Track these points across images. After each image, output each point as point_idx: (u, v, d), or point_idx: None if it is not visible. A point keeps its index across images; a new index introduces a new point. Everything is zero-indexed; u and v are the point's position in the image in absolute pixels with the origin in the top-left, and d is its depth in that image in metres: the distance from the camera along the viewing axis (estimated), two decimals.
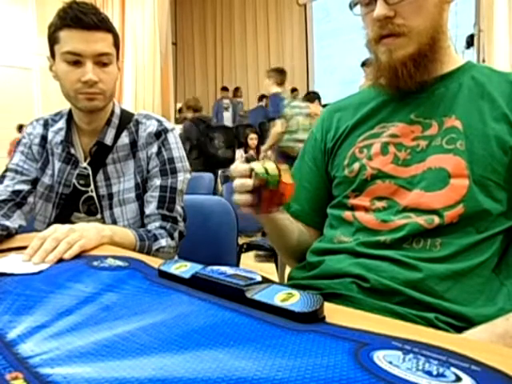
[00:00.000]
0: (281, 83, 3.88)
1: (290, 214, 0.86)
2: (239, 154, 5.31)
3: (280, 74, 3.91)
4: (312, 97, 4.47)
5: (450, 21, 0.72)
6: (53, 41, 0.96)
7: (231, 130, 6.47)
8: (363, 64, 3.61)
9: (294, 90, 5.35)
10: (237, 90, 7.27)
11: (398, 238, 0.66)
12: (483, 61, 3.63)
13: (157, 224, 1.01)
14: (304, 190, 0.86)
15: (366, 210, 0.72)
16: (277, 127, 3.61)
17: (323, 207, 0.83)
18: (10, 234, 0.94)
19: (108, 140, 1.04)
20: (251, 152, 5.17)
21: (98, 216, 1.05)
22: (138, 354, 0.37)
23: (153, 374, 0.33)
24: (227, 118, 6.83)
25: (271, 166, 0.64)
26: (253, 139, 5.25)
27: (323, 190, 0.84)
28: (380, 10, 0.67)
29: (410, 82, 0.70)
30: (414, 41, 0.68)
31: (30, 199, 1.06)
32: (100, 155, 1.05)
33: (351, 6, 0.75)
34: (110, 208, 1.05)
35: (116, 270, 0.63)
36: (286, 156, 3.63)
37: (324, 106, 4.37)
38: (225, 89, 7.28)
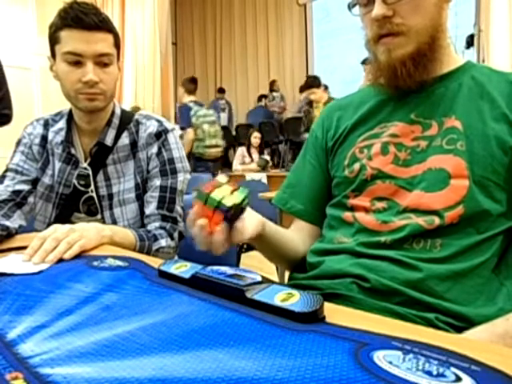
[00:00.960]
0: (191, 92, 4.21)
1: (292, 213, 0.85)
2: (240, 152, 5.38)
3: (190, 83, 4.23)
4: (316, 83, 4.48)
5: (449, 21, 0.72)
6: (53, 41, 0.96)
7: (229, 130, 6.49)
8: (364, 62, 3.60)
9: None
10: (273, 82, 7.10)
11: (398, 238, 0.66)
12: (483, 61, 3.63)
13: (157, 224, 1.01)
14: (307, 188, 0.85)
15: (366, 210, 0.72)
16: (189, 135, 3.96)
17: (326, 206, 0.83)
18: (10, 233, 0.94)
19: (108, 140, 1.04)
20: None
21: (98, 216, 1.05)
22: (138, 354, 0.37)
23: (153, 374, 0.33)
24: (223, 119, 6.85)
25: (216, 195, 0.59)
26: (256, 138, 5.33)
27: (326, 188, 0.83)
28: (378, 9, 0.67)
29: (410, 81, 0.70)
30: (412, 40, 0.68)
31: (30, 199, 1.06)
32: (100, 156, 1.05)
33: (350, 7, 0.75)
34: (110, 208, 1.05)
35: (116, 270, 0.63)
36: (199, 160, 4.05)
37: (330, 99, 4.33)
38: (221, 90, 7.26)
